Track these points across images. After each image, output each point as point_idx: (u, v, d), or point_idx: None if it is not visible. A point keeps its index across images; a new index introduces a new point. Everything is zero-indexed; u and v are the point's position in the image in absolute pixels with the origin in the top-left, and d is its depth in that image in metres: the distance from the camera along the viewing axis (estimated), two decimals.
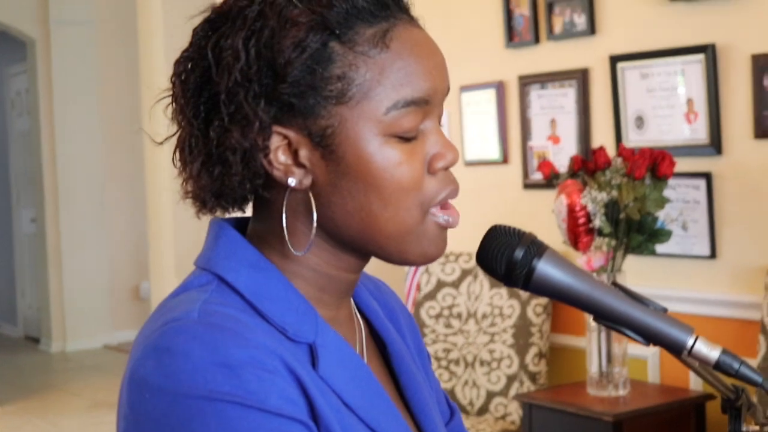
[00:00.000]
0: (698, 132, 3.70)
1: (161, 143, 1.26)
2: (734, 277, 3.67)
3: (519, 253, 1.19)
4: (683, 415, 3.61)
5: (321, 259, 1.18)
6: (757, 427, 1.81)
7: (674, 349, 1.19)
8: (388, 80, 1.12)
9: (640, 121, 3.86)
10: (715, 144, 3.65)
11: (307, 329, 1.14)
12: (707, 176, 3.68)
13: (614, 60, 3.92)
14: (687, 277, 3.79)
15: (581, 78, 4.07)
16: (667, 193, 3.54)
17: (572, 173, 3.62)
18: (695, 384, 3.75)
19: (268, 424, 1.01)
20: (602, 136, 4.01)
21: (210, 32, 1.16)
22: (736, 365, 1.18)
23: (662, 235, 3.58)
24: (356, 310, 1.30)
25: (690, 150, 3.71)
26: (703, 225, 3.69)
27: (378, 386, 1.19)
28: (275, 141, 1.12)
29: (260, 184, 1.14)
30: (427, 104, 1.14)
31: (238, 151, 1.11)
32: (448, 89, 1.20)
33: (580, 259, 3.56)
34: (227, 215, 1.24)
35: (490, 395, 4.15)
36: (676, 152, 3.64)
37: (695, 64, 3.68)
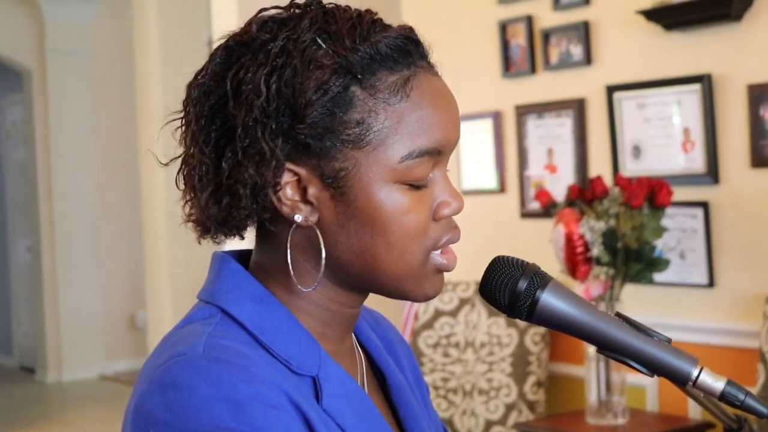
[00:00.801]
0: (695, 161, 3.71)
1: (167, 164, 1.26)
2: (732, 305, 3.67)
3: (522, 285, 1.20)
4: None
5: (324, 295, 1.19)
6: None
7: (679, 380, 1.19)
8: (406, 129, 1.13)
9: (636, 151, 3.87)
10: (712, 173, 3.66)
11: (311, 362, 1.15)
12: (704, 205, 3.69)
13: (610, 90, 3.94)
14: (685, 306, 3.79)
15: (578, 108, 4.08)
16: (664, 222, 3.56)
17: (570, 202, 3.63)
18: (694, 413, 3.74)
19: None
20: (599, 166, 4.02)
21: (229, 61, 1.16)
22: (741, 396, 1.18)
23: (660, 263, 3.59)
24: (357, 344, 1.31)
25: (687, 179, 3.72)
26: (701, 254, 3.70)
27: (380, 418, 1.20)
28: (285, 177, 1.12)
29: (267, 218, 1.14)
30: (440, 154, 1.16)
31: (249, 184, 1.11)
32: (458, 139, 1.21)
33: (578, 288, 3.56)
34: (227, 243, 1.24)
35: (489, 424, 4.14)
36: (674, 181, 3.65)
37: (691, 93, 3.69)
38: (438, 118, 1.15)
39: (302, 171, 1.12)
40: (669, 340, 1.21)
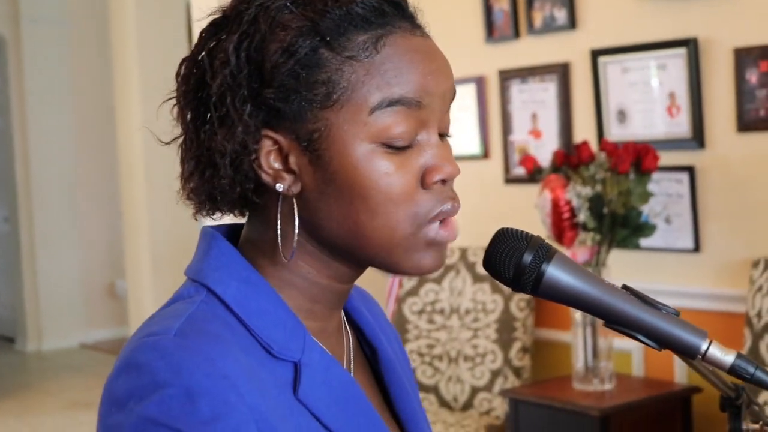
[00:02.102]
0: (680, 126, 3.70)
1: (168, 143, 1.22)
2: (718, 270, 3.69)
3: (528, 258, 1.17)
4: (669, 408, 3.64)
5: (313, 267, 1.15)
6: (757, 426, 1.79)
7: (687, 353, 1.17)
8: (374, 80, 1.08)
9: (622, 116, 3.86)
10: (698, 138, 3.66)
11: (294, 346, 1.11)
12: (690, 170, 3.69)
13: (595, 54, 3.92)
14: (671, 271, 3.81)
15: (562, 72, 4.06)
16: (650, 187, 3.55)
17: (555, 168, 3.62)
18: (680, 377, 3.77)
19: None
20: (584, 131, 4.01)
21: (214, 35, 1.14)
22: (751, 369, 1.16)
23: (647, 229, 3.59)
24: (345, 321, 1.28)
25: (672, 144, 3.72)
26: (687, 219, 3.70)
27: (366, 404, 1.17)
28: (266, 145, 1.10)
29: (250, 188, 1.11)
30: (419, 107, 1.10)
31: (226, 154, 1.09)
32: (452, 96, 1.16)
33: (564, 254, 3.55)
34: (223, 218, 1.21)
35: (475, 390, 4.14)
36: (659, 146, 3.64)
37: (677, 58, 3.68)
38: (412, 68, 1.10)
39: (280, 138, 1.10)
40: (677, 313, 1.19)
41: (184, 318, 1.07)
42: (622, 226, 3.50)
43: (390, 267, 1.14)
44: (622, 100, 3.83)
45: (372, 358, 1.30)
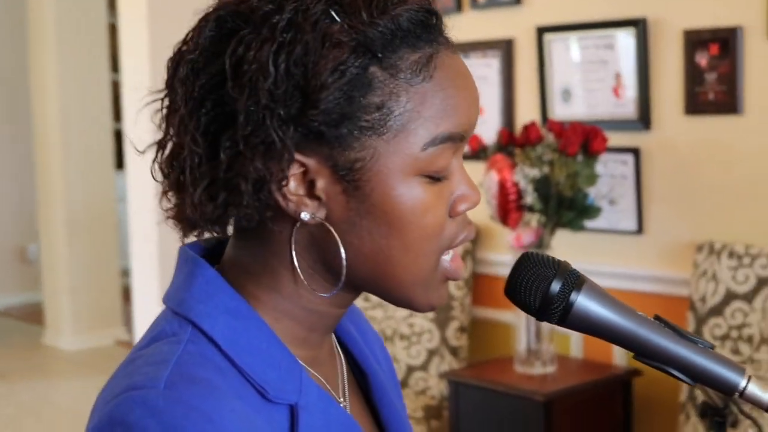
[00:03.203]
0: (626, 107, 3.71)
1: (143, 152, 1.13)
2: (662, 253, 3.72)
3: (556, 287, 1.13)
4: (610, 391, 3.68)
5: (315, 296, 1.08)
6: None
7: (725, 390, 1.14)
8: (429, 113, 1.02)
9: (566, 95, 3.84)
10: (644, 119, 3.67)
11: (290, 388, 1.05)
12: (635, 152, 3.70)
13: (540, 31, 3.90)
14: (614, 253, 3.83)
15: (505, 49, 4.03)
16: (595, 168, 3.53)
17: (500, 147, 3.57)
18: (620, 359, 3.80)
19: None
20: (527, 109, 3.99)
21: (221, 34, 1.03)
22: None
23: (592, 211, 3.60)
24: (336, 343, 1.22)
25: (618, 125, 3.73)
26: (631, 200, 3.72)
27: None
28: (292, 168, 1.01)
29: (270, 216, 1.03)
30: (462, 140, 1.06)
31: (252, 178, 0.99)
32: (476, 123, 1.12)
33: (509, 236, 3.53)
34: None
35: (411, 370, 4.11)
36: (604, 126, 3.65)
37: (625, 38, 3.68)
38: (462, 100, 1.04)
39: (311, 162, 1.01)
40: (712, 347, 1.15)
41: (171, 365, 0.99)
42: (568, 208, 3.49)
43: (402, 301, 1.10)
44: (568, 79, 3.82)
45: (362, 379, 1.25)
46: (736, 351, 3.33)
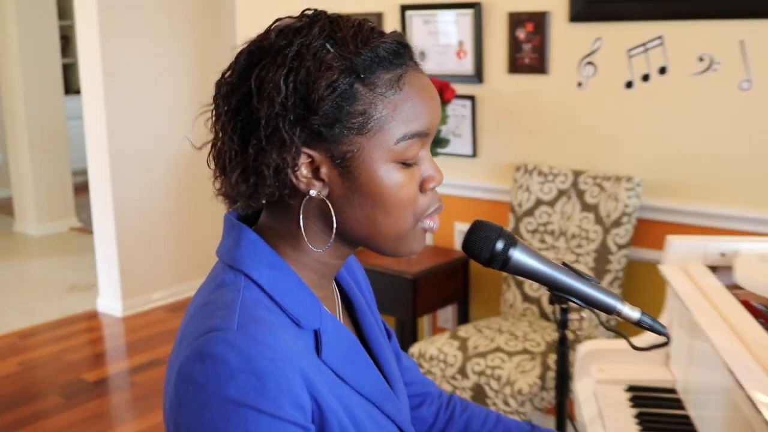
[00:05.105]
0: (466, 66, 3.72)
1: (200, 148, 1.15)
2: (491, 171, 3.75)
3: (500, 245, 1.19)
4: (455, 269, 3.71)
5: (325, 251, 1.11)
6: (576, 315, 1.91)
7: (607, 311, 1.22)
8: (400, 116, 1.04)
9: (422, 56, 3.84)
10: (479, 75, 3.69)
11: (314, 317, 1.08)
12: (472, 99, 3.72)
13: (404, 8, 3.87)
14: (458, 170, 3.84)
15: (377, 20, 3.98)
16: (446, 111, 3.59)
17: None
18: (458, 245, 3.86)
19: (275, 427, 0.96)
20: None
21: (251, 62, 1.06)
22: (649, 322, 1.23)
23: (444, 142, 3.64)
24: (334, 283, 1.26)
25: (460, 79, 3.74)
26: (468, 133, 3.76)
27: (362, 352, 1.16)
28: (302, 159, 1.05)
29: (287, 193, 1.06)
30: (427, 136, 1.08)
31: (272, 166, 1.03)
32: (439, 123, 1.14)
33: None
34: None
35: None
36: (450, 80, 3.67)
37: (466, 16, 3.67)
38: (424, 107, 1.06)
39: (315, 154, 1.04)
40: (599, 282, 1.25)
41: (238, 309, 1.01)
42: None
43: (389, 252, 1.12)
44: (424, 44, 3.81)
45: (349, 304, 1.29)
46: (542, 241, 3.39)
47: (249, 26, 4.49)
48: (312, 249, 1.10)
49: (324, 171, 1.05)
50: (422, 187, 1.10)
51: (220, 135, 1.08)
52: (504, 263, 1.19)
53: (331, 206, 1.07)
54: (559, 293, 1.23)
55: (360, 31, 1.05)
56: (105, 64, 4.88)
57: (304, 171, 1.05)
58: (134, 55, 5.04)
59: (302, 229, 1.09)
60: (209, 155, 1.11)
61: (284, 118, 1.02)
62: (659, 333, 1.24)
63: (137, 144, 5.11)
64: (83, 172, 8.03)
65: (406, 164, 1.07)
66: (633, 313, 1.22)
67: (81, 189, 7.70)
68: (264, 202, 1.10)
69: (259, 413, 0.95)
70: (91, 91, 4.95)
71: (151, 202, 5.22)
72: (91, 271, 5.97)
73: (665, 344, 1.27)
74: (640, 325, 1.23)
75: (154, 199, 5.23)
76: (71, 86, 9.03)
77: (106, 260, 5.17)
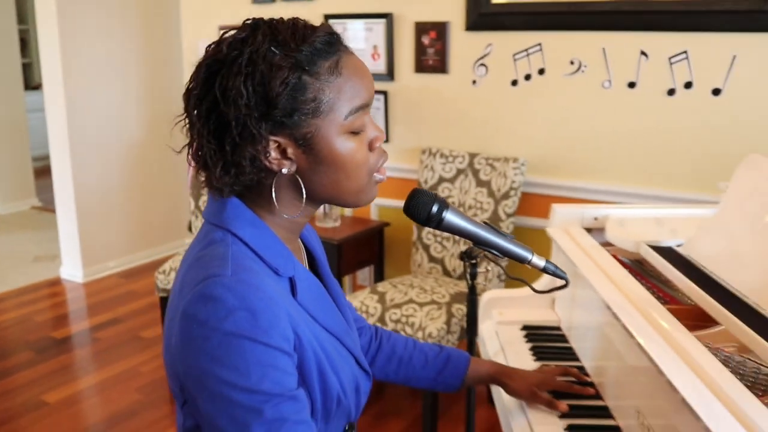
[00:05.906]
0: (380, 66, 3.71)
1: (179, 152, 1.13)
2: (401, 153, 3.75)
3: (435, 209, 1.21)
4: (372, 236, 3.71)
5: (294, 213, 1.12)
6: (483, 270, 1.94)
7: (520, 261, 1.26)
8: (344, 96, 1.05)
9: None
10: (391, 74, 3.69)
11: (289, 267, 1.10)
12: (385, 94, 3.72)
13: (327, 17, 3.84)
14: None
15: None
16: None
17: None
18: (374, 215, 3.86)
19: (267, 354, 0.98)
20: None
21: (210, 73, 1.04)
22: (552, 268, 1.29)
23: None
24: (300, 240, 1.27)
25: (375, 77, 3.71)
26: (382, 123, 3.76)
27: (326, 295, 1.17)
28: (271, 146, 1.05)
29: (263, 176, 1.06)
30: (368, 107, 1.09)
31: (247, 157, 1.03)
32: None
33: None
34: None
35: None
36: None
37: (379, 24, 3.67)
38: (363, 83, 1.07)
39: (281, 139, 1.04)
40: (514, 237, 1.29)
41: (230, 259, 1.02)
42: None
43: (351, 204, 1.13)
44: None
45: (311, 257, 1.30)
46: None
47: (192, 26, 4.38)
48: (285, 216, 1.10)
49: (290, 151, 1.06)
50: (371, 147, 1.10)
51: (197, 138, 1.07)
52: (438, 223, 1.22)
53: (300, 178, 1.08)
54: (482, 246, 1.26)
55: (296, 30, 1.04)
56: (64, 61, 4.70)
57: (273, 155, 1.05)
58: (90, 52, 4.86)
59: (275, 200, 1.09)
60: (188, 154, 1.10)
61: (250, 116, 1.01)
62: (561, 277, 1.29)
63: (94, 132, 4.95)
64: (43, 158, 7.69)
65: (355, 133, 1.07)
66: (540, 261, 1.27)
67: (40, 173, 7.39)
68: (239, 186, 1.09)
69: (254, 343, 0.96)
70: (52, 84, 4.75)
71: (106, 182, 5.07)
72: (52, 243, 5.75)
73: (564, 286, 1.32)
74: (545, 271, 1.28)
75: (109, 179, 5.08)
76: (29, 83, 8.62)
77: (68, 233, 5.01)
